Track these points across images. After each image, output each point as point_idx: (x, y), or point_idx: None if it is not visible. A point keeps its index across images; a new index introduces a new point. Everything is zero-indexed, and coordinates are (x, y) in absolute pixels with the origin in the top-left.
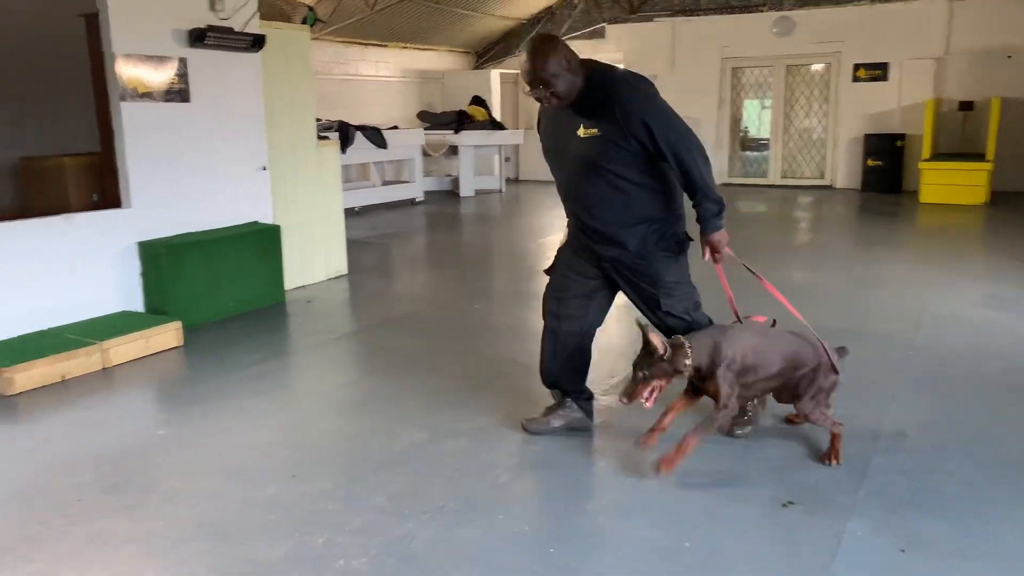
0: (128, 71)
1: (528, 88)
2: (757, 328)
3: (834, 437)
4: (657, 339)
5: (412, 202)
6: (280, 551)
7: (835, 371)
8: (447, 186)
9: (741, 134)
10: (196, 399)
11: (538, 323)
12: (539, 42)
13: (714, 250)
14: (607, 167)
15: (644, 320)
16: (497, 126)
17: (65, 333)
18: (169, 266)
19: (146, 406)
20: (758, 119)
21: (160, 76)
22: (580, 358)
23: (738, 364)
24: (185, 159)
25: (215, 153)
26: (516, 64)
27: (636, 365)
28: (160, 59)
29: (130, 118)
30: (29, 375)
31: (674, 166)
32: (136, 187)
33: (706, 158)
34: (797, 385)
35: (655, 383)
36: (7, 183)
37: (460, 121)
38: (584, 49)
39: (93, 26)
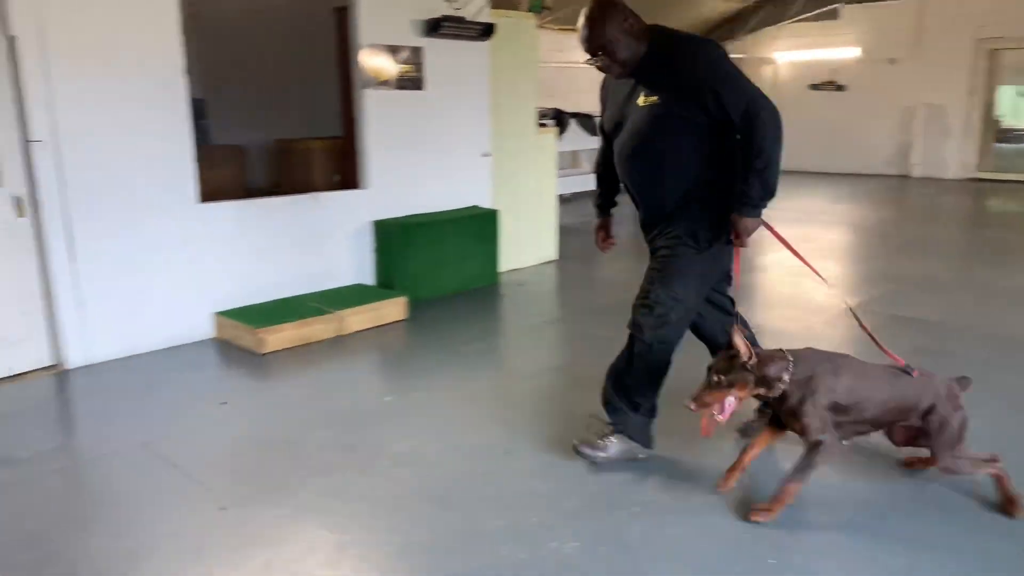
0: (370, 60)
1: (587, 57)
2: (858, 365)
3: (1000, 480)
4: (742, 341)
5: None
6: (495, 524)
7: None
8: None
9: (996, 123)
10: (419, 371)
11: (759, 318)
12: (596, 5)
13: (739, 234)
14: (663, 138)
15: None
16: None
17: (308, 301)
18: (400, 244)
19: (375, 373)
20: (1015, 107)
21: (397, 65)
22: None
23: (827, 401)
24: (417, 144)
25: (444, 139)
26: (739, 48)
27: (712, 368)
28: (399, 49)
29: (370, 105)
30: (278, 337)
31: (742, 129)
32: (373, 170)
33: (778, 135)
34: (919, 434)
35: (733, 393)
36: (264, 163)
37: None
38: (810, 32)
39: (343, 19)
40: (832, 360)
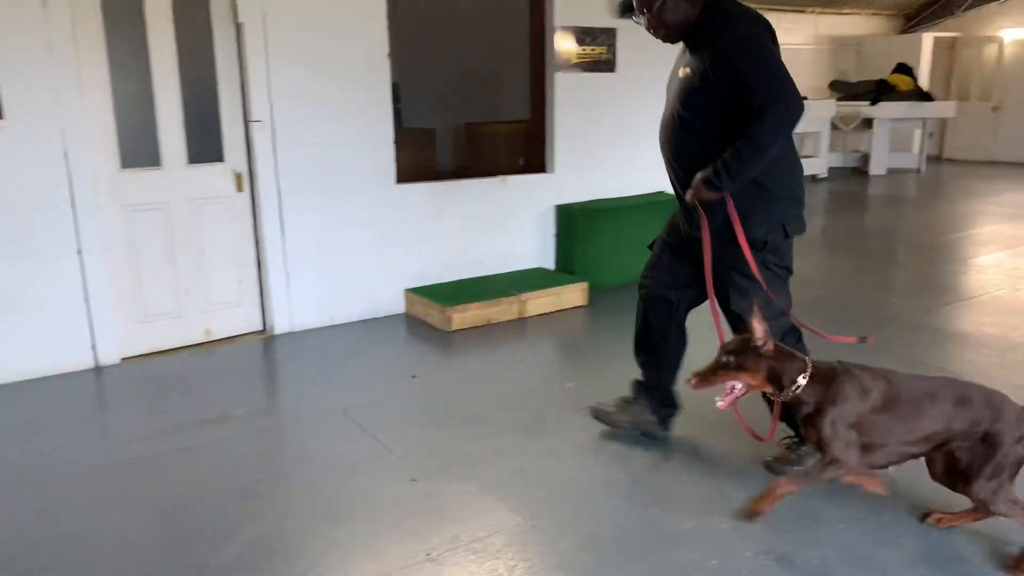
0: (563, 43)
1: (633, 14)
2: (897, 388)
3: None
4: (760, 325)
5: (814, 178)
6: (685, 526)
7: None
8: (853, 163)
9: None
10: (599, 358)
11: (971, 328)
12: None
13: (692, 190)
14: (691, 115)
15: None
16: (924, 97)
17: (492, 283)
18: (581, 229)
19: (556, 358)
20: None
21: (590, 47)
22: None
23: (849, 419)
24: (603, 128)
25: (631, 123)
26: (954, 26)
27: (724, 347)
28: (593, 30)
29: (560, 88)
30: (464, 316)
31: (753, 114)
32: (559, 153)
33: (776, 137)
34: (958, 461)
35: (740, 377)
36: (454, 146)
37: (879, 91)
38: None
39: (538, 1)
40: (862, 376)
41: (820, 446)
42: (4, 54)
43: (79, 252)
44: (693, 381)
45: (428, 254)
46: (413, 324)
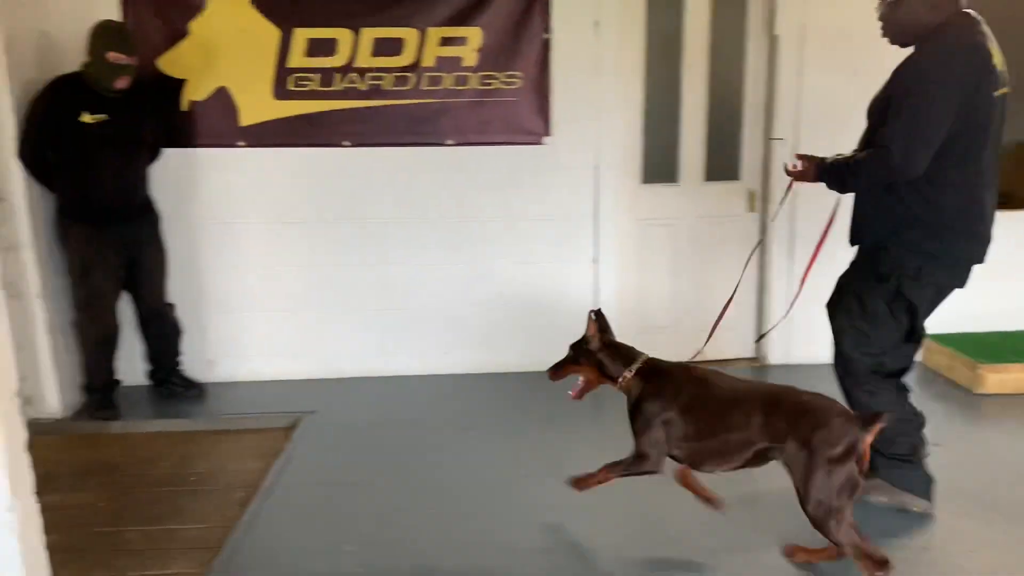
0: None
1: None
2: (714, 388)
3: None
4: (593, 325)
5: None
6: None
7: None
8: None
9: None
10: None
11: None
12: None
13: (795, 171)
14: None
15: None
16: None
17: None
18: None
19: None
20: None
21: None
22: None
23: (660, 416)
24: None
25: None
26: None
27: (571, 345)
28: None
29: None
30: (1001, 378)
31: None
32: None
33: (872, 180)
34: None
35: (579, 372)
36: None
37: None
38: None
39: None
40: (684, 376)
41: (634, 438)
42: (559, 73)
43: (595, 261)
44: (548, 374)
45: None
46: (928, 376)
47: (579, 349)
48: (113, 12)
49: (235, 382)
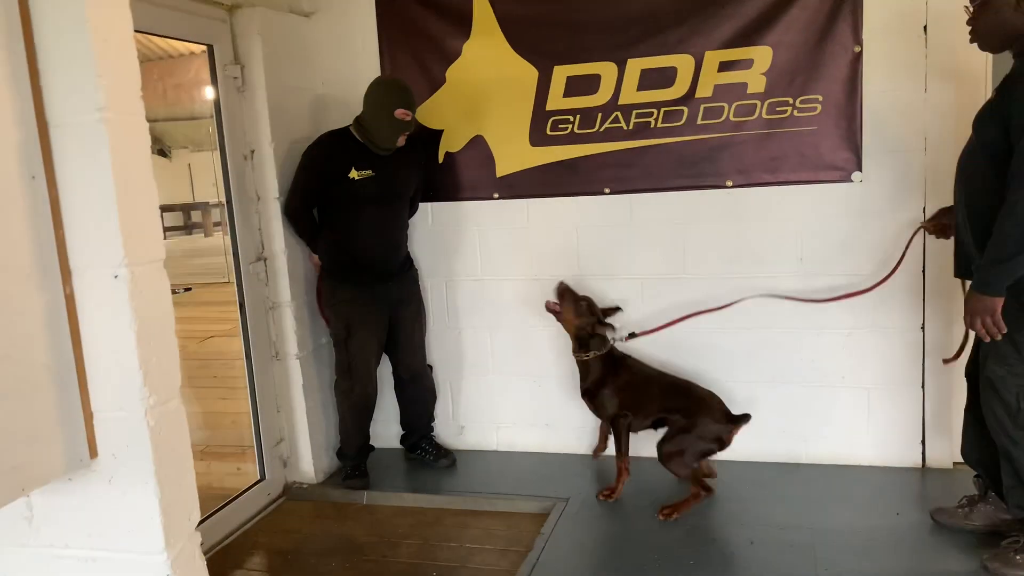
0: None
1: None
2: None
3: (690, 498)
4: (587, 305)
5: None
6: None
7: (717, 436)
8: None
9: None
10: None
11: None
12: None
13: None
14: (972, 160)
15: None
16: None
17: None
18: None
19: None
20: None
21: None
22: None
23: (617, 398)
24: None
25: None
26: None
27: (585, 297)
28: None
29: None
30: None
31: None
32: None
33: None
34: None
35: (565, 317)
36: None
37: None
38: None
39: None
40: (620, 363)
41: (601, 412)
42: (873, 92)
43: (923, 329)
44: (560, 285)
45: None
46: None
47: (588, 309)
48: (373, 64)
49: (485, 451)
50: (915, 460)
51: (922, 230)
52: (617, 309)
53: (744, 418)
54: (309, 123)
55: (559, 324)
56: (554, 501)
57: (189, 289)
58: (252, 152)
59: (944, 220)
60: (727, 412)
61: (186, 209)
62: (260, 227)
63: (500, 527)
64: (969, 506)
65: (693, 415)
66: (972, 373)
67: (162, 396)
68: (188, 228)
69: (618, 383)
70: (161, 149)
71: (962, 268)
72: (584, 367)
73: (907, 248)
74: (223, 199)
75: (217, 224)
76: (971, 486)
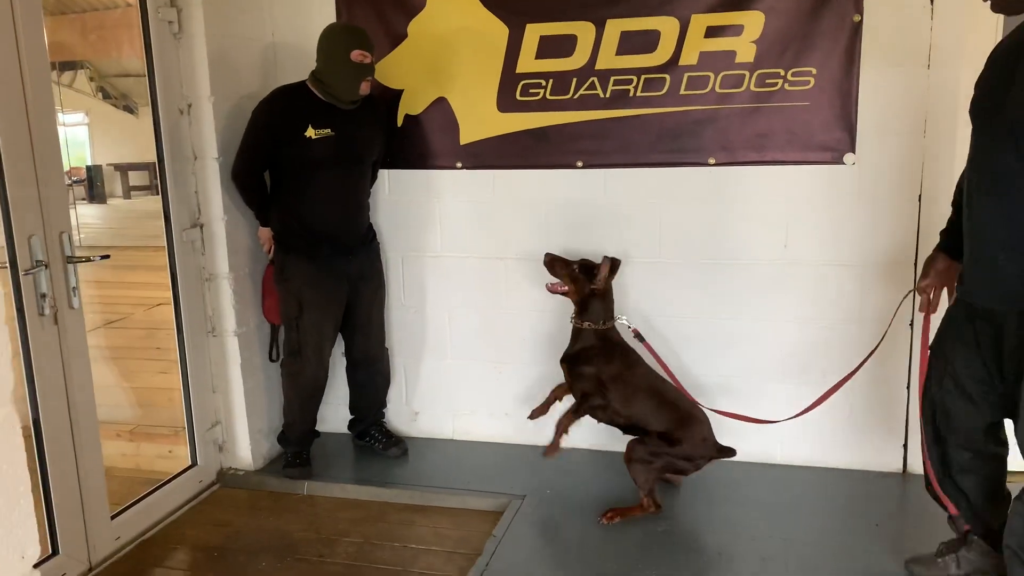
0: None
1: None
2: (637, 372)
3: (637, 508)
4: (606, 267)
5: None
6: None
7: (695, 460)
8: None
9: None
10: None
11: None
12: None
13: None
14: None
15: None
16: None
17: None
18: None
19: None
20: None
21: None
22: None
23: (602, 381)
24: None
25: None
26: None
27: (584, 261)
28: None
29: None
30: None
31: None
32: None
33: None
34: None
35: (565, 285)
36: None
37: None
38: None
39: None
40: (618, 350)
41: (573, 389)
42: (871, 67)
43: (911, 326)
44: (546, 258)
45: None
46: None
47: (584, 273)
48: (329, 15)
49: (440, 439)
50: (896, 465)
51: (915, 294)
52: (609, 259)
53: (728, 452)
54: (258, 77)
55: (522, 307)
56: (509, 498)
57: (106, 256)
58: (189, 106)
59: (945, 278)
60: (714, 443)
61: (152, 168)
62: (196, 190)
63: (448, 526)
64: (949, 553)
65: (676, 437)
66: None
67: None
68: (154, 188)
69: (607, 370)
70: (127, 105)
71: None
72: (576, 332)
73: (895, 315)
74: (156, 157)
75: None
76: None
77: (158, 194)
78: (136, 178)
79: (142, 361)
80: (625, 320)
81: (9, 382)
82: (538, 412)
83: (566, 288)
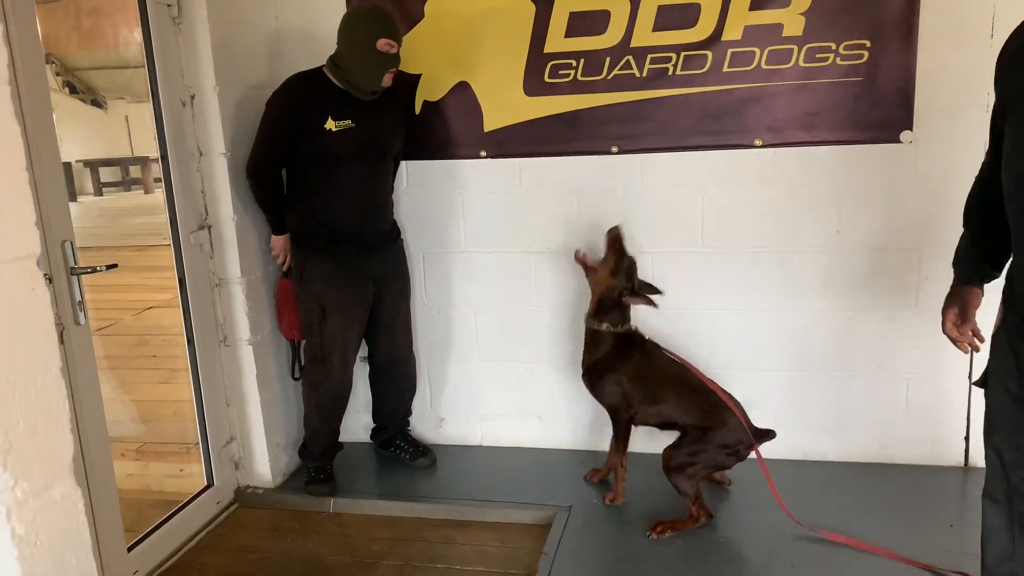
0: None
1: None
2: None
3: (688, 520)
4: (644, 299)
5: None
6: None
7: (735, 450)
8: None
9: None
10: None
11: None
12: None
13: None
14: None
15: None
16: None
17: None
18: None
19: None
20: None
21: None
22: None
23: (624, 387)
24: None
25: None
26: None
27: (628, 257)
28: None
29: None
30: None
31: None
32: None
33: None
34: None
35: (595, 272)
36: None
37: None
38: None
39: None
40: (636, 346)
41: (601, 399)
42: (930, 40)
43: None
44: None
45: None
46: None
47: (627, 271)
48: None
49: (468, 446)
50: (957, 459)
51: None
52: (656, 291)
53: (768, 434)
54: (264, 64)
55: (553, 303)
56: (554, 509)
57: (114, 267)
58: (192, 98)
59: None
60: (750, 426)
61: (124, 164)
62: (203, 188)
63: (493, 542)
64: None
65: (710, 425)
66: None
67: (39, 482)
68: (126, 184)
69: (628, 370)
70: (95, 100)
71: None
72: (593, 338)
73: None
74: (159, 154)
75: (158, 180)
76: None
77: (129, 190)
78: (108, 174)
79: (139, 371)
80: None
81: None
82: (598, 476)
83: (595, 267)
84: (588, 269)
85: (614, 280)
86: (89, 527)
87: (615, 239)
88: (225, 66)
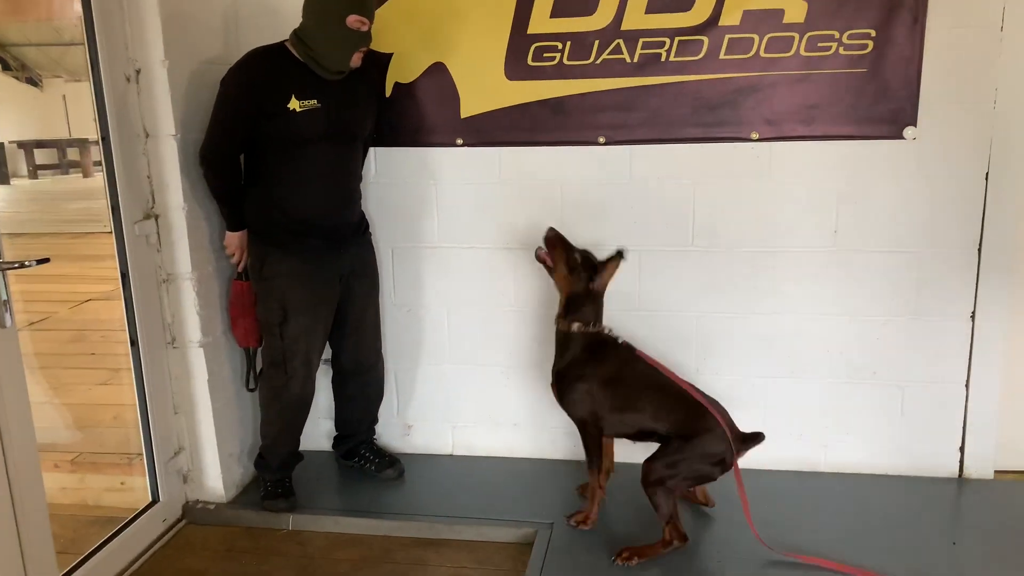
0: None
1: None
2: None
3: (658, 544)
4: (612, 268)
5: None
6: None
7: (720, 458)
8: None
9: None
10: None
11: None
12: None
13: None
14: None
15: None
16: None
17: None
18: None
19: None
20: None
21: None
22: None
23: (594, 397)
24: None
25: None
26: None
27: (582, 251)
28: None
29: None
30: None
31: None
32: None
33: None
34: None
35: (556, 270)
36: None
37: None
38: None
39: None
40: (610, 349)
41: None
42: (938, 30)
43: (972, 317)
44: (550, 232)
45: None
46: None
47: (584, 264)
48: None
49: (438, 455)
50: (951, 469)
51: None
52: (619, 256)
53: (756, 438)
54: (219, 36)
55: (532, 304)
56: (536, 527)
57: (45, 261)
58: (137, 72)
59: None
60: (735, 430)
61: (61, 146)
62: (149, 174)
63: (469, 563)
64: None
65: (691, 433)
66: None
67: None
68: (63, 167)
69: (601, 374)
70: (30, 78)
71: None
72: (563, 340)
73: None
74: (99, 135)
75: (97, 163)
76: (1014, 499)
77: (67, 173)
78: (43, 156)
79: (75, 371)
80: (609, 330)
81: None
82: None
83: (558, 278)
84: (550, 269)
85: (575, 275)
86: (13, 549)
87: (551, 239)
88: (176, 38)
